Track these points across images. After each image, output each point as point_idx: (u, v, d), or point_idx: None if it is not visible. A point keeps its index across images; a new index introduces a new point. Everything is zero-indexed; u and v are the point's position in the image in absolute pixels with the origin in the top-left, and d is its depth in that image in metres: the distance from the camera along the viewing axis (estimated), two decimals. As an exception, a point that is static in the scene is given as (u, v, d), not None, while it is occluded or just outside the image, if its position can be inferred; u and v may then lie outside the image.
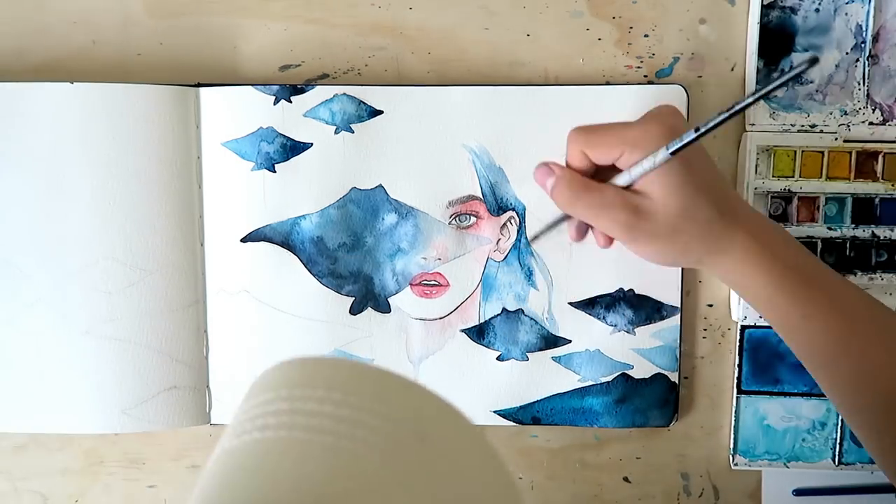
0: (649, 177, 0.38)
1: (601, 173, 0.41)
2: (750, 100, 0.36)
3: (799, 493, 0.49)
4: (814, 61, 0.32)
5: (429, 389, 0.26)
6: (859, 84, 0.46)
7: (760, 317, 0.46)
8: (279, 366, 0.27)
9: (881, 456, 0.39)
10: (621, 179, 0.40)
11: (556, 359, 0.47)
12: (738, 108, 0.36)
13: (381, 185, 0.46)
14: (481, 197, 0.47)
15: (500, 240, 0.47)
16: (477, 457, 0.25)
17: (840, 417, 0.48)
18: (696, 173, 0.39)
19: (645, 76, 0.47)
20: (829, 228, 0.46)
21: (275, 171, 0.46)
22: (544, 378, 0.48)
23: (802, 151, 0.46)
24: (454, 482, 0.24)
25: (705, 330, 0.48)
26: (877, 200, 0.46)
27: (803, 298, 0.39)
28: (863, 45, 0.45)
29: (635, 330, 0.47)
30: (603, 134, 0.40)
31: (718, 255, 0.40)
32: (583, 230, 0.44)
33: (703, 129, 0.37)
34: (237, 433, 0.25)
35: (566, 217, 0.43)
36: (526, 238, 0.47)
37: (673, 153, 0.37)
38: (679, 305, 0.47)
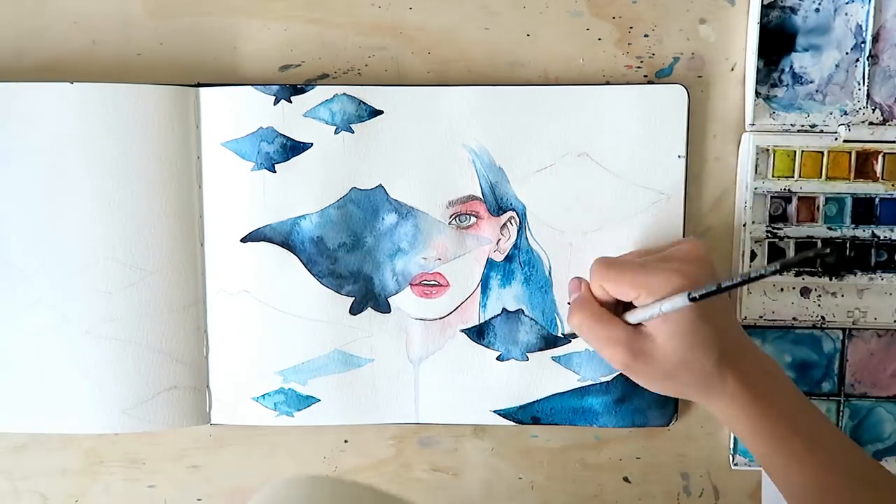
0: (658, 320, 0.39)
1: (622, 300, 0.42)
2: (773, 268, 0.35)
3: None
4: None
5: None
6: (859, 84, 0.46)
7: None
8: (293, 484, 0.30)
9: None
10: (633, 317, 0.40)
11: (556, 359, 0.47)
12: (762, 274, 0.35)
13: (380, 185, 0.46)
14: (481, 197, 0.47)
15: (500, 240, 0.47)
16: None
17: (841, 417, 0.48)
18: (703, 321, 0.39)
19: (645, 76, 0.47)
20: (829, 228, 0.46)
21: (275, 171, 0.46)
22: (544, 378, 0.48)
23: (802, 151, 0.46)
24: None
25: (705, 330, 0.48)
26: (877, 200, 0.46)
27: (786, 447, 0.40)
28: (863, 45, 0.45)
29: (635, 330, 0.47)
30: (624, 273, 0.40)
31: (709, 398, 0.41)
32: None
33: (724, 286, 0.37)
34: None
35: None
36: (526, 238, 0.47)
37: (692, 300, 0.37)
38: (679, 305, 0.47)
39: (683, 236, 0.47)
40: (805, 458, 0.39)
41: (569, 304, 0.45)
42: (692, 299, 0.37)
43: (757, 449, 0.41)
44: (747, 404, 0.40)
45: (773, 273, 0.34)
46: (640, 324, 0.40)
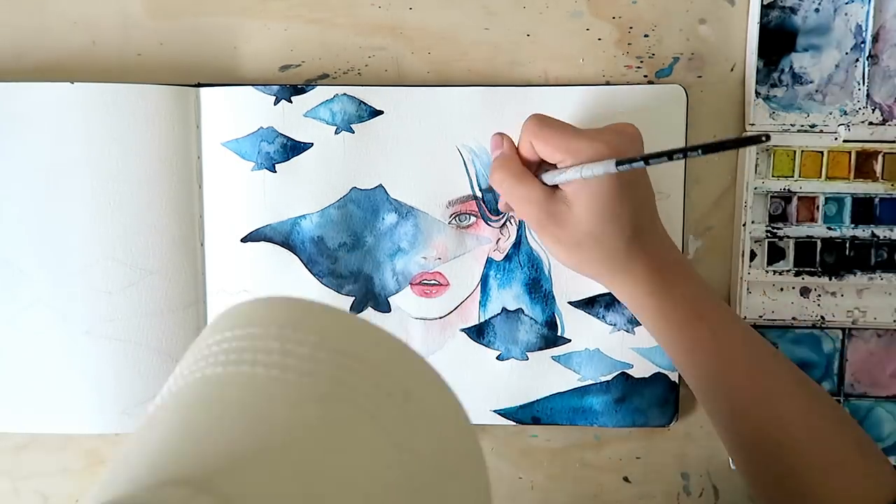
0: (576, 187, 0.39)
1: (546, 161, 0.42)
2: (698, 151, 0.34)
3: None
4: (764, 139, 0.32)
5: (413, 350, 0.26)
6: (859, 84, 0.46)
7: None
8: (262, 302, 0.27)
9: (757, 494, 0.41)
10: (550, 178, 0.40)
11: (556, 358, 0.47)
12: (686, 153, 0.34)
13: (381, 185, 0.47)
14: (481, 196, 0.47)
15: (499, 239, 0.47)
16: (453, 427, 0.25)
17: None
18: (621, 199, 0.39)
19: (645, 76, 0.47)
20: (829, 228, 0.46)
21: (275, 171, 0.46)
22: (544, 377, 0.48)
23: (802, 151, 0.46)
24: (431, 445, 0.24)
25: (705, 330, 0.48)
26: (876, 200, 0.46)
27: (690, 331, 0.40)
28: (862, 45, 0.45)
29: (635, 329, 0.47)
30: (555, 135, 0.40)
31: (615, 280, 0.41)
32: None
33: (650, 159, 0.35)
34: (213, 363, 0.24)
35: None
36: (525, 237, 0.47)
37: (618, 165, 0.36)
38: (679, 305, 0.47)
39: (683, 236, 0.47)
40: (708, 343, 0.40)
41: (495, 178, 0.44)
42: (618, 164, 0.36)
43: (661, 335, 0.41)
44: (653, 288, 0.40)
45: (697, 155, 0.34)
46: (557, 188, 0.40)
